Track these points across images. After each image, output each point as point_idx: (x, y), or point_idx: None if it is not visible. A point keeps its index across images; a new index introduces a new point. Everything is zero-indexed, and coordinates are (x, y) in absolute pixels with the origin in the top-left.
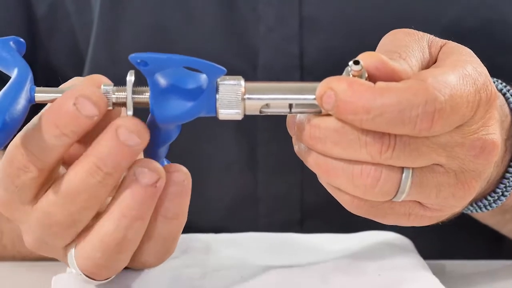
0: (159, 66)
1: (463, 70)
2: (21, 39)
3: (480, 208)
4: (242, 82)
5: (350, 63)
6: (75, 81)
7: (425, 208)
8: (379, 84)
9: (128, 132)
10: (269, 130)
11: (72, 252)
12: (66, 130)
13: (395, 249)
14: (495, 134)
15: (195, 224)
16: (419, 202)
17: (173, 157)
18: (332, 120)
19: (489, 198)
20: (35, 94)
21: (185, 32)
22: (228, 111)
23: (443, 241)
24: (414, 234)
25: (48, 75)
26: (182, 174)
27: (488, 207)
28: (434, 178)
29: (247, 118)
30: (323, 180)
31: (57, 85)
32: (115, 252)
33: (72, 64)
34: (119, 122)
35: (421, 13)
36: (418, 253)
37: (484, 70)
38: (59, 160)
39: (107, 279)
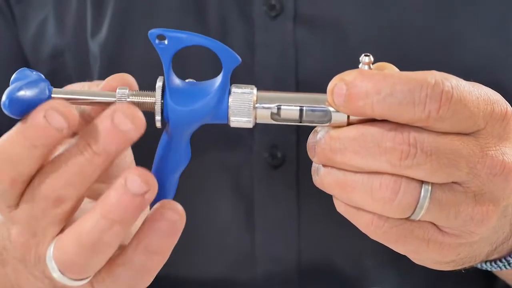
0: (176, 43)
1: (476, 84)
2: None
3: (510, 264)
4: (254, 90)
5: (361, 56)
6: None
7: (443, 233)
8: (388, 70)
9: (123, 116)
10: (266, 192)
11: (51, 247)
12: (36, 142)
13: None
14: None
15: (193, 284)
16: (437, 226)
17: None
18: (351, 129)
19: None
20: (52, 95)
21: None
22: (239, 119)
23: None
24: None
25: None
26: (175, 214)
27: None
28: (453, 196)
29: (244, 180)
30: (341, 201)
31: None
32: (90, 251)
33: None
34: (117, 106)
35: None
36: None
37: (500, 96)
38: (31, 172)
39: (81, 279)
